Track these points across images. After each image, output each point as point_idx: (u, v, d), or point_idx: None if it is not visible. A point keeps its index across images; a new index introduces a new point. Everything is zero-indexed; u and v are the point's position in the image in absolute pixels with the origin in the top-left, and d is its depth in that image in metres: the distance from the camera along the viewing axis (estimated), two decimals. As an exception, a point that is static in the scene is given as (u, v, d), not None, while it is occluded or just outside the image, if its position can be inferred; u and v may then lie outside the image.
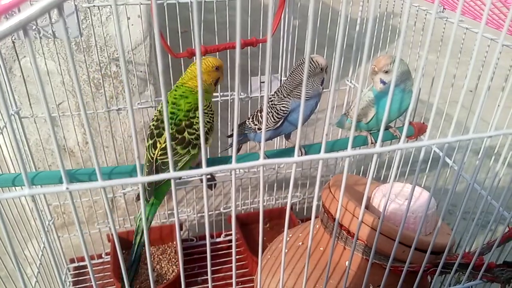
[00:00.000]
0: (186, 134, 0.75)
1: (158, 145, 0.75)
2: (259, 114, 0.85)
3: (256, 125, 0.85)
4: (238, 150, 1.03)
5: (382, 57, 0.83)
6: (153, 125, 0.78)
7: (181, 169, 0.76)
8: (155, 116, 0.79)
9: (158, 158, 0.75)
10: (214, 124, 0.82)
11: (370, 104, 0.86)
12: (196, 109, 0.76)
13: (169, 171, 0.40)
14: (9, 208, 0.89)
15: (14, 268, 0.44)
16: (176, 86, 0.80)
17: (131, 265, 0.82)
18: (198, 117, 0.76)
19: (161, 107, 0.79)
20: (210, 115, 0.80)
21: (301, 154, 0.86)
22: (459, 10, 0.43)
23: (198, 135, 0.77)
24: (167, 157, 0.74)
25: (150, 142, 0.76)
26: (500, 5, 0.64)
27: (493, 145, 0.80)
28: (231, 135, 0.97)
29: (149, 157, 0.76)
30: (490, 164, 0.83)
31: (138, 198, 0.83)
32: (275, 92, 0.85)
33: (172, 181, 0.42)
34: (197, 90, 0.78)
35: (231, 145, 0.97)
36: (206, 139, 0.79)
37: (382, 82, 0.83)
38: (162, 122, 0.76)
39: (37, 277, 0.99)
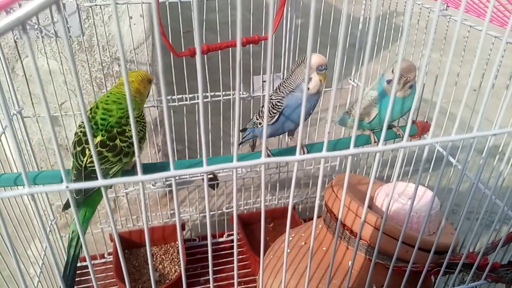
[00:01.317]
0: (118, 141, 0.72)
1: (87, 151, 0.72)
2: (261, 109, 0.85)
3: (257, 119, 0.85)
4: (253, 147, 1.03)
5: (408, 65, 0.81)
6: (80, 131, 0.74)
7: (113, 176, 0.73)
8: (82, 122, 0.76)
9: (88, 165, 0.72)
10: (146, 133, 0.81)
11: (372, 103, 0.85)
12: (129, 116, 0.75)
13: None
14: (11, 207, 0.89)
15: (16, 268, 0.44)
16: (110, 92, 0.79)
17: (66, 280, 0.75)
18: (130, 125, 0.73)
19: (90, 112, 0.76)
20: (142, 123, 0.79)
21: (304, 153, 0.85)
22: (463, 8, 0.42)
23: (131, 143, 0.74)
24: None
25: (78, 149, 0.73)
26: (505, 1, 0.63)
27: (498, 144, 0.79)
28: (244, 129, 0.96)
29: (77, 164, 0.72)
30: (494, 163, 0.83)
31: (65, 207, 0.77)
32: (276, 88, 0.84)
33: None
34: (134, 98, 0.78)
35: (242, 141, 0.97)
36: (139, 148, 0.78)
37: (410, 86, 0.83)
38: (92, 128, 0.73)
39: (39, 277, 0.99)
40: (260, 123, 0.84)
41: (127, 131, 0.73)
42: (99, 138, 0.72)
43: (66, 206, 0.76)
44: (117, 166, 0.73)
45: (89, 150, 0.71)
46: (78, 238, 0.76)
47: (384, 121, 0.44)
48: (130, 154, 0.75)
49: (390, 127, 0.91)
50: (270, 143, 1.65)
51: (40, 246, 1.05)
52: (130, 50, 1.20)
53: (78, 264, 1.30)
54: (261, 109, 0.85)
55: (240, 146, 1.03)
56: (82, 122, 0.77)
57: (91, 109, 0.76)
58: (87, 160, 0.72)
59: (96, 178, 0.38)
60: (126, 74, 0.35)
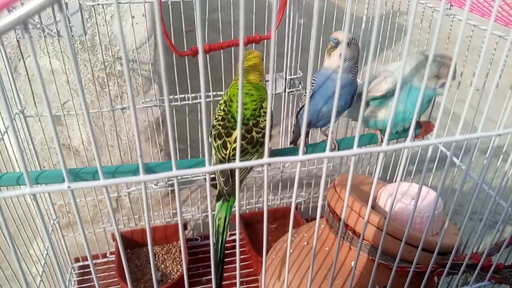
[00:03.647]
0: (254, 133, 0.75)
1: (229, 145, 0.74)
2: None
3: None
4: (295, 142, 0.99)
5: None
6: (218, 124, 0.77)
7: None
8: (218, 115, 0.78)
9: (231, 158, 0.74)
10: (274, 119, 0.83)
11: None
12: (261, 107, 0.76)
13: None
14: (13, 207, 0.89)
15: (18, 267, 0.44)
16: (235, 83, 0.80)
17: (218, 267, 0.83)
18: (263, 116, 0.77)
19: (225, 106, 0.77)
20: (266, 114, 0.80)
21: (334, 147, 0.84)
22: (467, 8, 0.42)
23: (264, 134, 0.77)
24: (240, 156, 0.74)
25: (219, 142, 0.75)
26: (510, 0, 0.63)
27: (501, 144, 0.79)
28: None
29: (220, 157, 0.75)
30: (497, 164, 0.82)
31: (218, 198, 0.82)
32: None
33: (175, 180, 0.42)
34: (261, 85, 0.80)
35: (293, 141, 0.96)
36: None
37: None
38: (229, 121, 0.75)
39: (41, 276, 0.99)
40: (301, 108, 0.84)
41: (260, 122, 0.76)
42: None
43: (219, 197, 0.80)
44: (255, 156, 0.77)
45: (230, 143, 0.74)
46: (225, 222, 0.81)
47: (398, 121, 0.44)
48: (263, 144, 0.77)
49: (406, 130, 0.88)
50: (273, 143, 1.64)
51: (43, 245, 1.05)
52: (132, 49, 1.20)
53: (80, 264, 1.31)
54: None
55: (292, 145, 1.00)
56: (219, 114, 0.78)
57: (225, 102, 0.78)
58: (230, 153, 0.74)
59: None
60: (128, 73, 0.35)
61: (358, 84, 0.84)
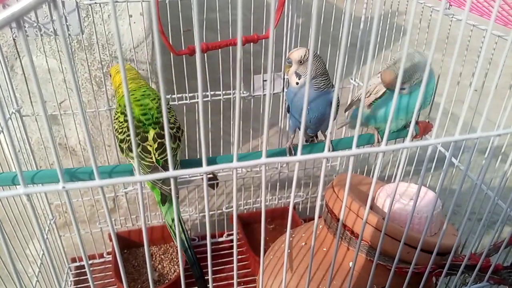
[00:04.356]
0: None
1: (150, 148, 0.75)
2: None
3: None
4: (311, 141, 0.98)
5: (392, 78, 0.77)
6: (127, 135, 0.77)
7: (177, 161, 0.79)
8: (122, 127, 0.79)
9: (159, 159, 0.75)
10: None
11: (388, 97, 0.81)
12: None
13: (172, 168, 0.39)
14: (9, 206, 0.89)
15: (12, 268, 0.43)
16: (131, 90, 0.83)
17: (193, 267, 0.86)
18: (168, 112, 0.79)
19: (125, 116, 0.79)
20: (172, 110, 0.83)
21: (330, 150, 0.84)
22: (468, 8, 0.41)
23: (177, 127, 0.80)
24: (166, 155, 0.75)
25: (138, 150, 0.75)
26: (510, 0, 0.62)
27: (499, 144, 0.78)
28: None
29: (148, 163, 0.75)
30: (496, 164, 0.82)
31: (163, 201, 0.82)
32: None
33: (172, 180, 0.41)
34: (148, 86, 0.84)
35: (309, 140, 0.95)
36: (182, 132, 0.83)
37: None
38: (138, 127, 0.76)
39: (37, 276, 0.99)
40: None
41: (169, 117, 0.79)
42: (153, 132, 0.76)
43: (164, 201, 0.81)
44: (178, 150, 0.79)
45: (150, 146, 0.75)
46: (181, 222, 0.85)
47: (397, 120, 0.43)
48: (178, 137, 0.80)
49: (406, 127, 0.88)
50: (271, 143, 1.64)
51: (39, 245, 1.05)
52: (129, 48, 1.19)
53: (77, 264, 1.30)
54: None
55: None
56: (122, 127, 0.79)
57: (123, 113, 0.80)
58: (156, 155, 0.75)
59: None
60: (125, 72, 0.34)
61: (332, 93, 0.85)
